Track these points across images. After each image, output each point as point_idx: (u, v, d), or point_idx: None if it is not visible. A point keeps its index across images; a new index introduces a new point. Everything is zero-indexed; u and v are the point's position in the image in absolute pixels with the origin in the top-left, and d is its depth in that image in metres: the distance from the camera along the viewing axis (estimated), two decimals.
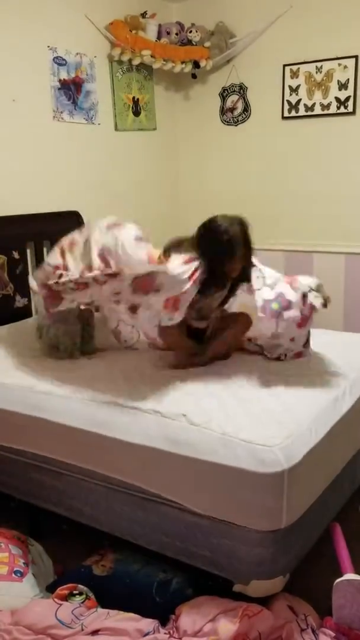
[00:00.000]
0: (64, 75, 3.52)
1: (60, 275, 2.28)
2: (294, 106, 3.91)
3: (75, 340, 2.66)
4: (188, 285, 2.22)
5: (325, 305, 2.38)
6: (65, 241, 2.40)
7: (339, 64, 3.69)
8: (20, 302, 3.35)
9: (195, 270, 2.25)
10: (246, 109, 4.13)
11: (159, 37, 3.92)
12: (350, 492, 2.35)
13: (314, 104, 3.84)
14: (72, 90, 3.58)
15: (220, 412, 1.98)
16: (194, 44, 3.99)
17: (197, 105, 4.33)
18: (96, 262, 2.19)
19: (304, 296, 2.38)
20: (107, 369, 2.48)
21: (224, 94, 4.20)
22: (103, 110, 3.80)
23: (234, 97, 4.16)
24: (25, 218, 3.33)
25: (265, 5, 3.87)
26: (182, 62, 3.97)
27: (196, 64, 4.00)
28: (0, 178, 3.25)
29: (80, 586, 1.92)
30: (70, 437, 2.10)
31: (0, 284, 3.22)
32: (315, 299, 2.37)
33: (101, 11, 3.66)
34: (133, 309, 2.26)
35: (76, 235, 2.38)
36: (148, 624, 1.77)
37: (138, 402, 2.09)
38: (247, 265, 2.42)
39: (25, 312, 3.36)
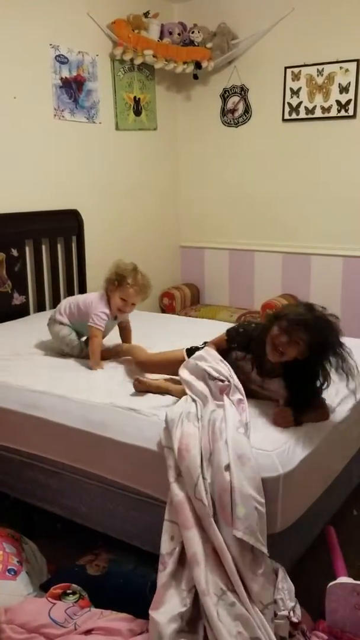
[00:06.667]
0: (65, 73, 3.52)
1: None
2: (295, 109, 3.92)
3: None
4: None
5: None
6: None
7: (340, 67, 3.70)
8: (18, 299, 3.35)
9: None
10: (247, 110, 4.13)
11: (161, 37, 3.92)
12: (345, 496, 2.35)
13: (314, 107, 3.84)
14: (73, 88, 3.58)
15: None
16: (196, 44, 4.00)
17: (198, 106, 4.33)
18: None
19: None
20: (104, 369, 2.48)
21: (225, 95, 4.20)
22: (104, 109, 3.80)
23: (235, 99, 4.16)
24: (25, 216, 3.33)
25: (267, 8, 3.87)
26: (184, 63, 3.97)
27: (198, 65, 3.99)
28: (0, 175, 3.25)
29: (74, 585, 1.92)
30: (66, 437, 2.10)
31: None
32: None
33: (104, 10, 3.65)
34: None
35: None
36: (141, 624, 1.77)
37: (134, 404, 2.09)
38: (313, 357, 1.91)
39: (22, 310, 3.37)
